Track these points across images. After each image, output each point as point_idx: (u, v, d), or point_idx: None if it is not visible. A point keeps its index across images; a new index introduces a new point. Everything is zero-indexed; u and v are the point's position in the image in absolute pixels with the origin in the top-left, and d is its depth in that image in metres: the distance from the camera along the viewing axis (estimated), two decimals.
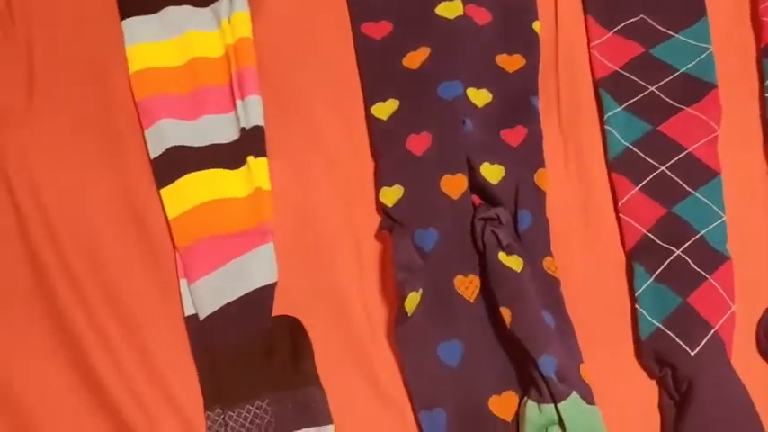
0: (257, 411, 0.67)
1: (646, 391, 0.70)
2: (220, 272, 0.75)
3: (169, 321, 0.74)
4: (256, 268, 0.74)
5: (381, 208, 0.78)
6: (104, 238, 0.78)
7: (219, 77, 0.87)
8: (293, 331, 0.72)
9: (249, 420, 0.67)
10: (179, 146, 0.81)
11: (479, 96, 0.84)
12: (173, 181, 0.79)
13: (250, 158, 0.80)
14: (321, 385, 0.69)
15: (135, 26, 0.90)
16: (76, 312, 0.72)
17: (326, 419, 0.67)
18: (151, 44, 0.89)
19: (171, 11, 0.90)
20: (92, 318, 0.72)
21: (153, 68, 0.87)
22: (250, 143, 0.81)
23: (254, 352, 0.71)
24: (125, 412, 0.68)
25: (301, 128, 0.84)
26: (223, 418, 0.68)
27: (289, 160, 0.82)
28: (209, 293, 0.73)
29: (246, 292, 0.73)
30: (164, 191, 0.79)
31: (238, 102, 0.84)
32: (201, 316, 0.73)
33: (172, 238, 0.77)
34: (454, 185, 0.77)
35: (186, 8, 0.90)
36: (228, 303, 0.73)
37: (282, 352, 0.71)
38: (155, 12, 0.90)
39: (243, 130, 0.82)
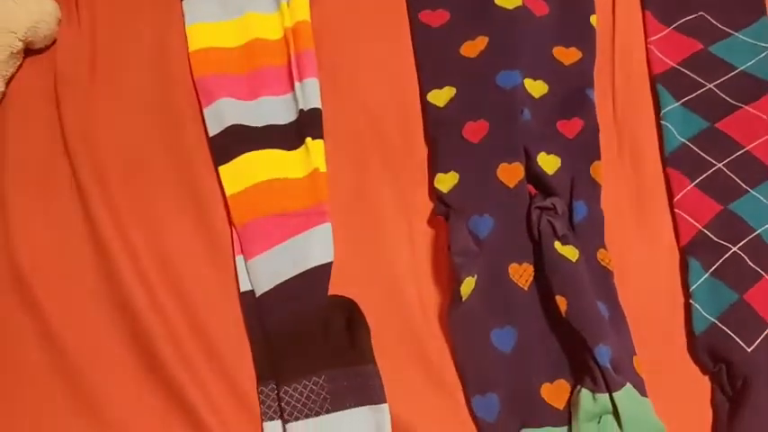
0: (313, 387, 0.68)
1: (698, 387, 0.70)
2: (277, 250, 0.75)
3: (224, 296, 0.75)
4: (313, 247, 0.75)
5: (435, 194, 0.79)
6: (163, 213, 0.79)
7: (277, 59, 0.88)
8: (349, 310, 0.72)
9: (305, 396, 0.68)
10: (237, 125, 0.82)
11: (536, 87, 0.84)
12: (231, 159, 0.80)
13: (308, 140, 0.80)
14: (376, 364, 0.69)
15: (196, 6, 0.91)
16: (135, 286, 0.73)
17: (381, 399, 0.67)
18: (211, 24, 0.90)
19: None
20: (150, 293, 0.73)
21: (212, 48, 0.88)
22: (307, 125, 0.82)
23: (309, 329, 0.71)
24: (182, 387, 0.69)
25: (357, 112, 0.85)
26: (277, 394, 0.69)
27: (344, 143, 0.83)
28: (266, 271, 0.74)
29: (303, 270, 0.74)
30: (222, 168, 0.80)
31: (296, 84, 0.84)
32: (258, 293, 0.73)
33: (229, 216, 0.78)
34: (511, 174, 0.77)
35: None
36: (285, 281, 0.74)
37: (339, 330, 0.71)
38: None
39: (301, 111, 0.82)
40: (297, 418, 0.67)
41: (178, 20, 0.91)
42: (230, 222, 0.78)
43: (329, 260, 0.75)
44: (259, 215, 0.77)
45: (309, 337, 0.71)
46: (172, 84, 0.87)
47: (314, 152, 0.80)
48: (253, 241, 0.76)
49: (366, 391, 0.67)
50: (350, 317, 0.72)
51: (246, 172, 0.80)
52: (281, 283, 0.73)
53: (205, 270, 0.76)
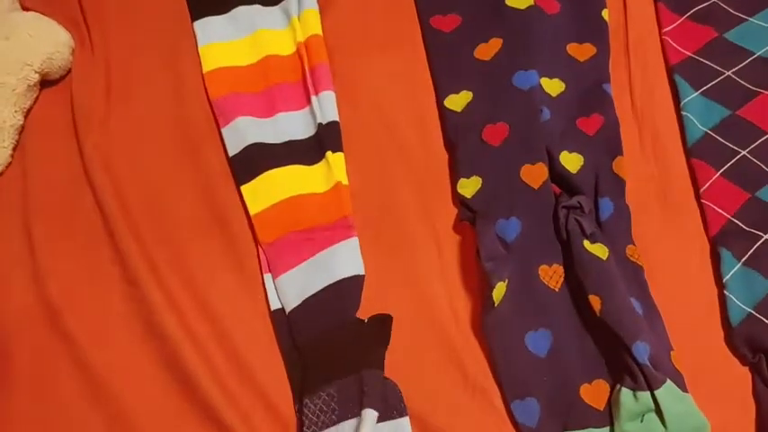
0: (326, 399, 0.67)
1: (738, 378, 0.69)
2: (305, 266, 0.76)
3: (255, 316, 0.75)
4: (340, 261, 0.75)
5: (459, 199, 0.78)
6: (187, 236, 0.79)
7: (292, 75, 0.88)
8: (378, 324, 0.72)
9: (319, 408, 0.67)
10: (257, 143, 0.82)
11: (553, 86, 0.84)
12: (253, 178, 0.80)
13: (328, 153, 0.80)
14: (382, 367, 0.69)
15: (207, 27, 0.92)
16: (165, 311, 0.73)
17: (400, 411, 0.67)
18: (223, 44, 0.91)
19: (241, 10, 0.92)
20: (181, 316, 0.73)
21: (227, 67, 0.89)
22: (327, 138, 0.82)
23: (335, 342, 0.71)
24: (218, 409, 0.68)
25: (375, 122, 0.85)
26: (299, 408, 0.69)
27: (364, 155, 0.83)
28: (293, 287, 0.74)
29: (331, 282, 0.74)
30: (244, 188, 0.80)
31: (313, 98, 0.84)
32: (287, 309, 0.74)
33: (254, 234, 0.78)
34: (535, 175, 0.77)
35: (256, 7, 0.92)
36: (314, 295, 0.74)
37: (360, 342, 0.71)
38: (225, 12, 0.92)
39: (319, 125, 0.82)
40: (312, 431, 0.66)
41: (190, 41, 0.92)
42: (256, 242, 0.78)
43: (358, 273, 0.74)
44: (284, 232, 0.77)
45: (333, 350, 0.71)
46: (188, 106, 0.87)
47: (335, 166, 0.80)
48: (280, 259, 0.76)
49: (367, 398, 0.66)
50: (376, 329, 0.71)
51: (269, 190, 0.80)
52: (309, 297, 0.73)
53: (234, 290, 0.76)
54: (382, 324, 0.72)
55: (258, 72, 0.89)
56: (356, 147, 0.83)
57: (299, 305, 0.74)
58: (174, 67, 0.90)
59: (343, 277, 0.74)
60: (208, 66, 0.89)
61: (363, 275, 0.74)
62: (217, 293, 0.76)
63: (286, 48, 0.90)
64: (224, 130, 0.84)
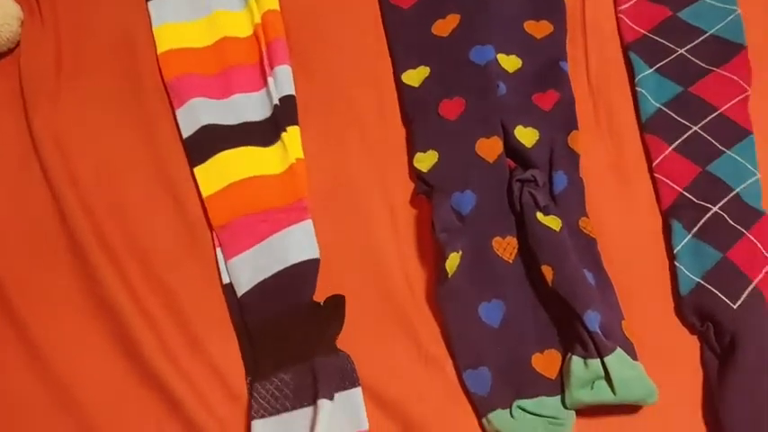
0: (279, 384, 0.67)
1: (687, 346, 0.70)
2: (257, 249, 0.75)
3: (207, 290, 0.74)
4: (293, 245, 0.74)
5: (415, 173, 0.78)
6: (140, 215, 0.78)
7: (249, 57, 0.87)
8: (332, 307, 0.72)
9: (271, 393, 0.67)
10: (211, 124, 0.81)
11: (510, 62, 0.84)
12: (206, 159, 0.79)
13: (284, 134, 0.79)
14: (337, 352, 0.69)
15: (161, 7, 0.90)
16: (115, 285, 0.72)
17: (352, 384, 0.67)
18: (178, 24, 0.89)
19: None
20: (132, 292, 0.72)
21: (181, 49, 0.87)
22: (282, 115, 0.81)
23: (287, 327, 0.70)
24: (169, 384, 0.68)
25: (332, 96, 0.84)
26: (250, 391, 0.68)
27: (321, 128, 0.82)
28: (245, 271, 0.74)
29: (282, 268, 0.73)
30: (197, 169, 0.79)
31: (269, 79, 0.83)
32: (239, 293, 0.73)
33: (207, 216, 0.77)
34: (490, 148, 0.77)
35: None
36: (266, 279, 0.73)
37: (312, 326, 0.71)
38: None
39: (275, 107, 0.81)
40: (262, 416, 0.66)
41: (144, 20, 0.90)
42: (208, 224, 0.77)
43: (312, 257, 0.73)
44: (237, 215, 0.76)
45: (286, 335, 0.70)
46: (142, 85, 0.86)
47: (291, 143, 0.79)
48: (232, 242, 0.75)
49: (329, 382, 0.66)
50: (329, 312, 0.71)
51: (222, 171, 0.79)
52: (261, 282, 0.72)
53: (186, 265, 0.75)
54: (336, 307, 0.72)
55: (214, 54, 0.87)
56: (313, 121, 0.83)
57: (252, 289, 0.73)
58: (127, 46, 0.89)
59: (296, 261, 0.73)
60: (162, 46, 0.87)
61: (318, 259, 0.73)
62: (169, 268, 0.75)
63: (243, 29, 0.88)
64: (178, 112, 0.83)
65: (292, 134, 0.80)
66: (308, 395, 0.66)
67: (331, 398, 0.65)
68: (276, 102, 0.82)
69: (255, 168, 0.79)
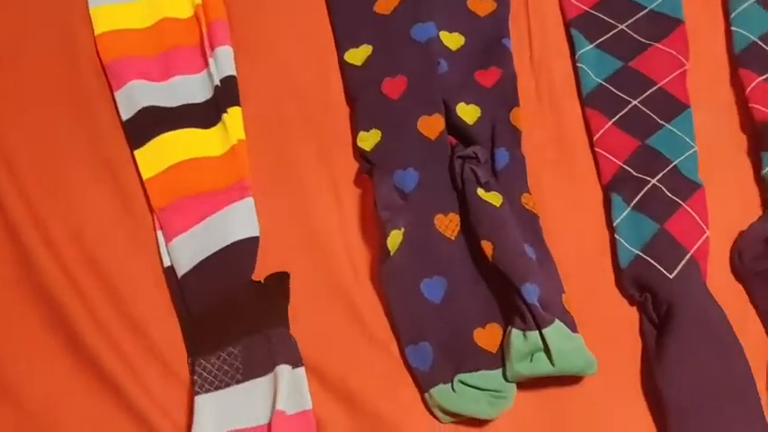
0: (226, 358, 0.67)
1: (627, 318, 0.71)
2: (197, 229, 0.74)
3: (148, 273, 0.73)
4: (235, 223, 0.74)
5: (359, 152, 0.78)
6: (78, 198, 0.77)
7: (189, 38, 0.85)
8: (276, 282, 0.71)
9: (217, 367, 0.67)
10: (151, 106, 0.79)
11: (452, 40, 0.84)
12: (146, 142, 0.78)
13: (225, 116, 0.78)
14: (287, 325, 0.69)
15: None
16: (54, 271, 0.71)
17: (294, 362, 0.66)
18: (116, 6, 0.87)
19: None
20: (70, 276, 0.71)
21: (119, 30, 0.85)
22: (224, 96, 0.80)
23: (231, 305, 0.70)
24: (108, 367, 0.67)
25: (274, 76, 0.84)
26: (192, 369, 0.67)
27: (263, 109, 0.82)
28: (185, 251, 0.73)
29: (224, 245, 0.72)
30: (138, 152, 0.78)
31: (210, 60, 0.82)
32: (180, 273, 0.72)
33: (147, 199, 0.76)
34: (431, 126, 0.77)
35: None
36: (206, 258, 0.72)
37: (259, 301, 0.70)
38: None
39: (216, 88, 0.80)
40: (207, 391, 0.65)
41: (81, 1, 0.87)
42: (149, 207, 0.76)
43: (253, 234, 0.73)
44: (177, 197, 0.75)
45: (230, 311, 0.70)
46: (80, 68, 0.84)
47: (232, 125, 0.78)
48: (172, 223, 0.74)
49: (279, 356, 0.66)
50: (274, 287, 0.71)
51: (162, 154, 0.77)
52: (202, 261, 0.72)
53: (126, 249, 0.74)
54: (280, 282, 0.71)
55: (153, 35, 0.85)
56: (255, 101, 0.82)
57: (192, 269, 0.72)
58: (64, 27, 0.86)
59: (236, 239, 0.72)
60: (99, 28, 0.85)
61: (258, 237, 0.73)
62: (108, 253, 0.74)
63: (183, 10, 0.87)
64: (117, 94, 0.81)
65: (233, 115, 0.79)
66: (262, 365, 0.66)
67: (294, 365, 0.65)
68: (217, 83, 0.80)
69: (196, 150, 0.78)
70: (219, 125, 0.79)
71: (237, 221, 0.74)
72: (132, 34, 0.85)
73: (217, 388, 0.66)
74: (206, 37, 0.84)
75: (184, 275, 0.71)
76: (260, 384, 0.66)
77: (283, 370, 0.64)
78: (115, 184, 0.78)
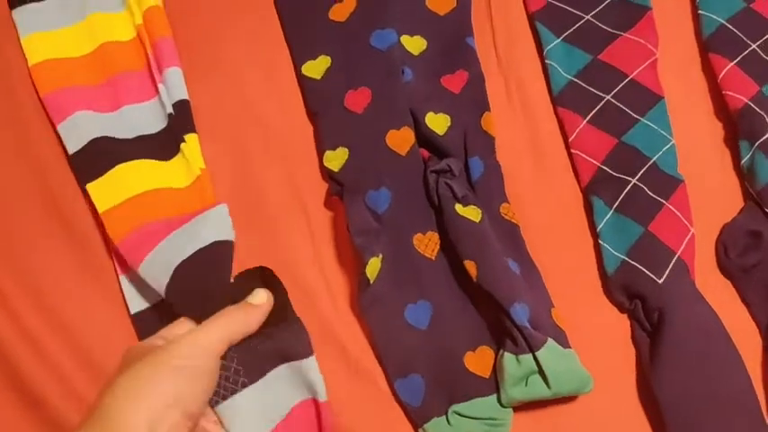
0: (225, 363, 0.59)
1: (618, 327, 0.69)
2: (167, 241, 0.66)
3: (111, 320, 0.69)
4: (209, 226, 0.66)
5: (327, 173, 0.74)
6: (27, 241, 0.71)
7: (134, 62, 0.79)
8: (263, 276, 0.64)
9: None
10: (102, 137, 0.73)
11: (414, 43, 0.80)
12: (100, 175, 0.71)
13: (183, 145, 0.73)
14: (294, 319, 0.63)
15: (28, 14, 0.80)
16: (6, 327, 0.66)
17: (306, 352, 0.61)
18: (50, 33, 0.80)
19: None
20: (23, 326, 0.67)
21: (56, 59, 0.78)
22: (178, 124, 0.74)
23: (218, 304, 0.61)
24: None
25: (229, 97, 0.78)
26: None
27: (219, 132, 0.76)
28: (159, 266, 0.65)
29: (201, 247, 0.65)
30: (91, 186, 0.71)
31: (160, 86, 0.76)
32: (162, 288, 0.64)
33: (104, 235, 0.71)
34: (401, 140, 0.73)
35: None
36: (182, 263, 0.64)
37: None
38: None
39: (170, 116, 0.75)
40: (216, 403, 0.58)
41: (12, 31, 0.81)
42: (106, 243, 0.71)
43: (229, 239, 0.66)
44: (141, 224, 0.68)
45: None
46: (17, 102, 0.77)
47: (191, 154, 0.72)
48: (137, 249, 0.66)
49: (283, 351, 0.60)
50: (264, 282, 0.64)
51: (121, 185, 0.71)
52: (179, 266, 0.64)
53: (85, 297, 0.69)
54: (268, 277, 0.65)
55: (95, 62, 0.79)
56: (210, 126, 0.77)
57: (172, 278, 0.63)
58: None
59: (213, 241, 0.65)
60: (33, 58, 0.78)
61: (232, 242, 0.67)
62: (66, 300, 0.69)
63: (125, 33, 0.80)
64: (60, 127, 0.74)
65: (191, 143, 0.74)
66: (266, 363, 0.60)
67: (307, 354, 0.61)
68: (170, 110, 0.75)
69: (158, 182, 0.71)
70: (179, 156, 0.73)
71: (213, 225, 0.67)
72: (71, 63, 0.78)
73: (224, 398, 0.58)
74: (152, 59, 0.78)
75: (167, 287, 0.64)
76: (272, 380, 0.60)
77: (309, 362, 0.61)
78: (67, 223, 0.72)
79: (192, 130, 0.75)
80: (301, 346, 0.61)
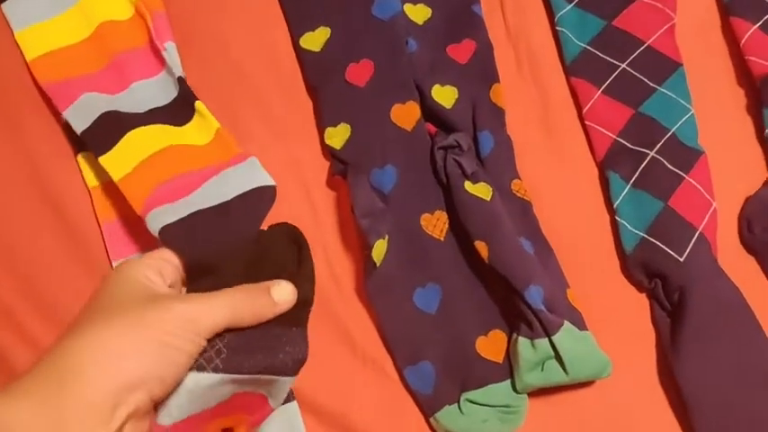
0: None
1: (637, 307, 0.66)
2: (190, 197, 0.59)
3: None
4: (238, 180, 0.60)
5: (329, 151, 0.70)
6: (21, 231, 0.68)
7: (136, 39, 0.74)
8: (295, 242, 0.57)
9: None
10: (113, 111, 0.67)
11: (418, 12, 0.76)
12: (114, 144, 0.65)
13: (197, 104, 0.68)
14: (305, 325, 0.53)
15: (18, 6, 0.75)
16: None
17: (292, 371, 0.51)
18: (44, 23, 0.74)
19: None
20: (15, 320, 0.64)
21: (55, 50, 0.73)
22: (189, 91, 0.69)
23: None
24: None
25: (225, 72, 0.75)
26: None
27: (216, 112, 0.72)
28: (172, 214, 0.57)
29: (223, 201, 0.58)
30: (104, 158, 0.64)
31: (164, 54, 0.71)
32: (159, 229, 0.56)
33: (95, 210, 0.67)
34: (406, 115, 0.69)
35: None
36: (196, 213, 0.57)
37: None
38: None
39: (180, 80, 0.69)
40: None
41: (3, 26, 0.76)
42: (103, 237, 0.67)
43: (268, 183, 0.60)
44: (166, 179, 0.61)
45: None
46: (12, 101, 0.73)
47: (207, 115, 0.67)
48: (160, 198, 0.59)
49: (278, 364, 0.50)
50: (296, 247, 0.57)
51: (136, 148, 0.64)
52: (191, 216, 0.56)
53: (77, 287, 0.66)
54: (297, 239, 0.56)
55: (95, 45, 0.73)
56: (207, 103, 0.72)
57: (182, 220, 0.56)
58: None
59: (244, 191, 0.59)
60: (31, 53, 0.73)
61: (274, 186, 0.60)
62: (59, 292, 0.66)
63: (122, 11, 0.75)
64: (67, 112, 0.68)
65: (202, 108, 0.68)
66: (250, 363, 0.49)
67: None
68: (180, 74, 0.70)
69: (176, 139, 0.66)
70: (196, 116, 0.68)
71: (244, 176, 0.60)
72: (71, 51, 0.73)
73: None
74: (154, 32, 0.73)
75: (167, 227, 0.56)
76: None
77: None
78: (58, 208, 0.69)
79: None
80: (293, 363, 0.51)
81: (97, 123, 0.68)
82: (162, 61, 0.73)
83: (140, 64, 0.73)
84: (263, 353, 0.49)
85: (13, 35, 0.74)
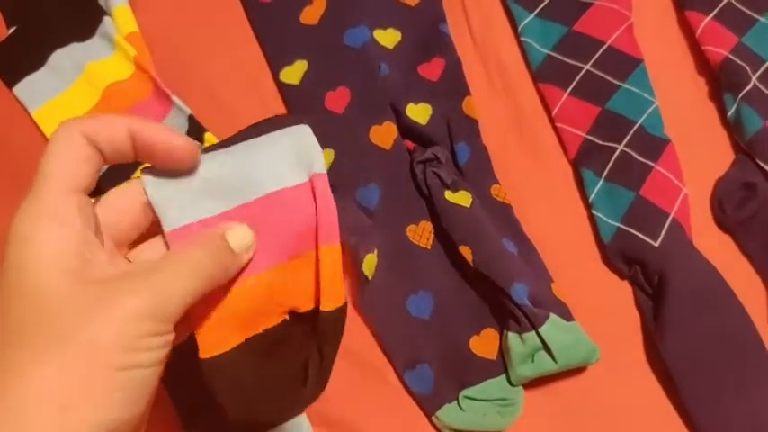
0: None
1: (620, 294, 0.69)
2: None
3: None
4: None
5: None
6: None
7: (141, 93, 0.79)
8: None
9: None
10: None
11: (388, 37, 0.80)
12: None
13: (208, 134, 0.73)
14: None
15: (31, 88, 0.80)
16: None
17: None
18: (56, 99, 0.79)
19: (59, 55, 0.80)
20: None
21: None
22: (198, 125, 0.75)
23: None
24: None
25: (211, 111, 0.79)
26: None
27: None
28: None
29: None
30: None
31: (173, 97, 0.76)
32: None
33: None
34: (384, 135, 0.73)
35: (74, 46, 0.81)
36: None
37: None
38: (42, 63, 0.80)
39: (189, 118, 0.75)
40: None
41: (14, 109, 0.79)
42: None
43: None
44: None
45: None
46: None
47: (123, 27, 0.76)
48: None
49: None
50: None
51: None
52: None
53: None
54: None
55: (105, 108, 0.78)
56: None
57: None
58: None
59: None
60: (50, 130, 0.78)
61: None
62: None
63: (123, 70, 0.80)
64: None
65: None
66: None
67: None
68: (188, 112, 0.76)
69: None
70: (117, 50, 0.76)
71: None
72: None
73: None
74: (157, 81, 0.78)
75: None
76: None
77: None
78: None
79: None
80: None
81: (104, 175, 0.73)
82: (169, 103, 0.77)
83: (149, 113, 0.78)
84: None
85: (30, 115, 0.79)
